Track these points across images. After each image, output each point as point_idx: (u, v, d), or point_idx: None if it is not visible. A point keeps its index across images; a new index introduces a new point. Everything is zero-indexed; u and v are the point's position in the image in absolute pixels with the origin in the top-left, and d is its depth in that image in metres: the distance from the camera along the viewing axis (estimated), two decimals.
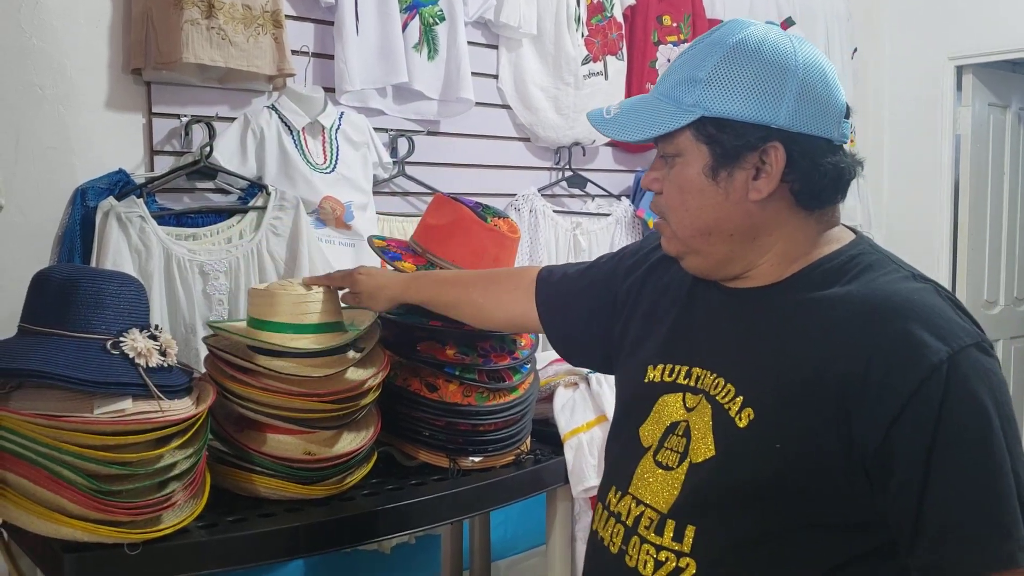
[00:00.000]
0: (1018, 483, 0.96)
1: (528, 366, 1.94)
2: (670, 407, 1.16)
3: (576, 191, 3.00)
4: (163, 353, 1.48)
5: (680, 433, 1.13)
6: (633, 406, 1.23)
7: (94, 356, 1.41)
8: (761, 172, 1.08)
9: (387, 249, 1.85)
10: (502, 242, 1.82)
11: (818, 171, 1.08)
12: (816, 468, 1.02)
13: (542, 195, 2.81)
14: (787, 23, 3.52)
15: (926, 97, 3.98)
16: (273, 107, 2.25)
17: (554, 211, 2.83)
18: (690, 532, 1.08)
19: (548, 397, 2.18)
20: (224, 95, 2.23)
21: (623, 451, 1.22)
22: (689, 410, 1.13)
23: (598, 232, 2.94)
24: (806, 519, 1.04)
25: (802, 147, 1.06)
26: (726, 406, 1.09)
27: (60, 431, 1.34)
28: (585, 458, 2.02)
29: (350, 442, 1.66)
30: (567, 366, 2.30)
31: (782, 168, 1.07)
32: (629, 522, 1.15)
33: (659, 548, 1.10)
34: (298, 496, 1.60)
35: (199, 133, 2.15)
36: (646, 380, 1.21)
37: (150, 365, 1.45)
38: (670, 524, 1.10)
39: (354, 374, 1.65)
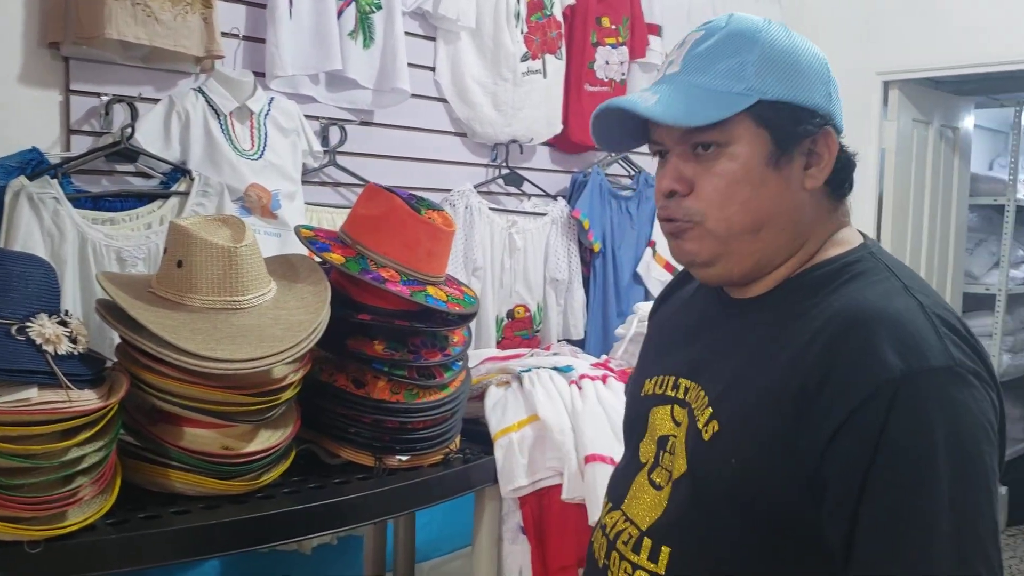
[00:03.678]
0: (955, 530, 0.88)
1: (460, 363, 1.90)
2: (660, 420, 1.14)
3: (512, 189, 2.96)
4: (73, 340, 1.40)
5: (669, 450, 1.10)
6: (634, 422, 1.20)
7: None
8: (812, 160, 1.05)
9: (315, 240, 1.79)
10: (436, 235, 1.78)
11: (847, 156, 1.07)
12: (769, 485, 0.97)
13: (478, 192, 2.77)
14: None
15: (855, 110, 4.01)
16: (200, 90, 2.16)
17: (490, 208, 2.79)
18: (665, 553, 1.05)
19: (479, 396, 2.14)
20: (148, 75, 2.14)
21: (625, 467, 1.19)
22: (677, 424, 1.10)
23: (534, 231, 2.91)
24: (771, 551, 0.99)
25: (837, 135, 1.06)
26: (697, 418, 1.06)
27: None
28: (515, 457, 1.99)
29: (268, 438, 1.60)
30: (500, 364, 2.27)
31: (835, 155, 1.05)
32: (611, 536, 1.13)
33: (635, 567, 1.08)
34: (215, 492, 1.53)
35: (120, 113, 2.05)
36: (642, 394, 1.19)
37: (59, 352, 1.37)
38: (647, 543, 1.07)
39: (275, 368, 1.58)
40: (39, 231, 1.87)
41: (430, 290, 1.77)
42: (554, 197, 3.05)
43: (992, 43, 3.72)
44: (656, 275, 3.22)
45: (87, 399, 1.36)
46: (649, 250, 3.23)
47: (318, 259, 1.76)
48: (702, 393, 1.07)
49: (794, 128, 1.03)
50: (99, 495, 1.40)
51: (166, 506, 1.49)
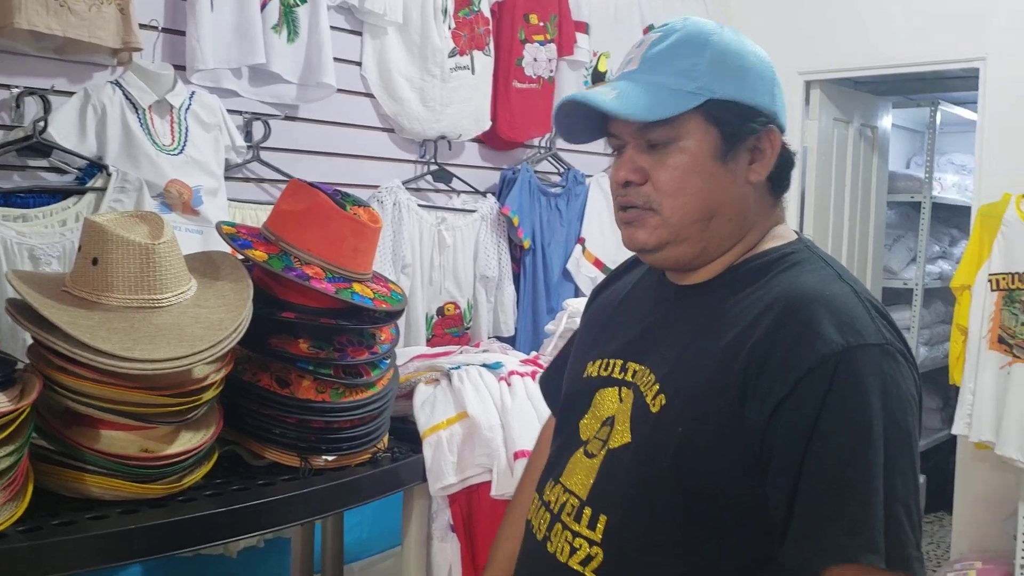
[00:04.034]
0: (888, 488, 0.97)
1: (387, 361, 1.88)
2: (607, 402, 1.19)
3: (441, 186, 2.95)
4: None
5: (610, 425, 1.16)
6: (573, 401, 1.26)
7: None
8: (756, 156, 1.13)
9: (237, 236, 1.75)
10: (362, 231, 1.75)
11: (784, 156, 1.16)
12: (714, 454, 1.04)
13: (406, 188, 2.75)
14: (649, 30, 3.58)
15: None
16: (117, 83, 2.10)
17: (419, 205, 2.77)
18: (602, 522, 1.11)
19: (408, 394, 2.13)
20: (62, 67, 2.06)
21: (564, 444, 1.24)
22: (621, 402, 1.17)
23: (463, 228, 2.90)
24: (709, 522, 1.06)
25: (780, 134, 1.15)
26: (645, 394, 1.13)
27: None
28: (444, 455, 1.98)
29: (189, 440, 1.56)
30: (428, 362, 2.25)
31: (778, 152, 1.14)
32: (555, 509, 1.18)
33: (575, 535, 1.13)
34: (134, 496, 1.48)
35: (32, 106, 1.98)
36: (584, 375, 1.25)
37: None
38: (587, 512, 1.13)
39: (195, 368, 1.54)
40: None
41: (356, 287, 1.75)
42: (483, 194, 3.05)
43: (908, 44, 3.83)
44: (585, 271, 3.24)
45: None
46: (579, 247, 3.25)
47: (240, 256, 1.73)
48: (648, 372, 1.14)
49: (740, 126, 1.11)
50: (10, 501, 1.35)
51: (82, 512, 1.44)
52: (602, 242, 3.25)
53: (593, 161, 3.42)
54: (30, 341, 1.54)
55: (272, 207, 1.83)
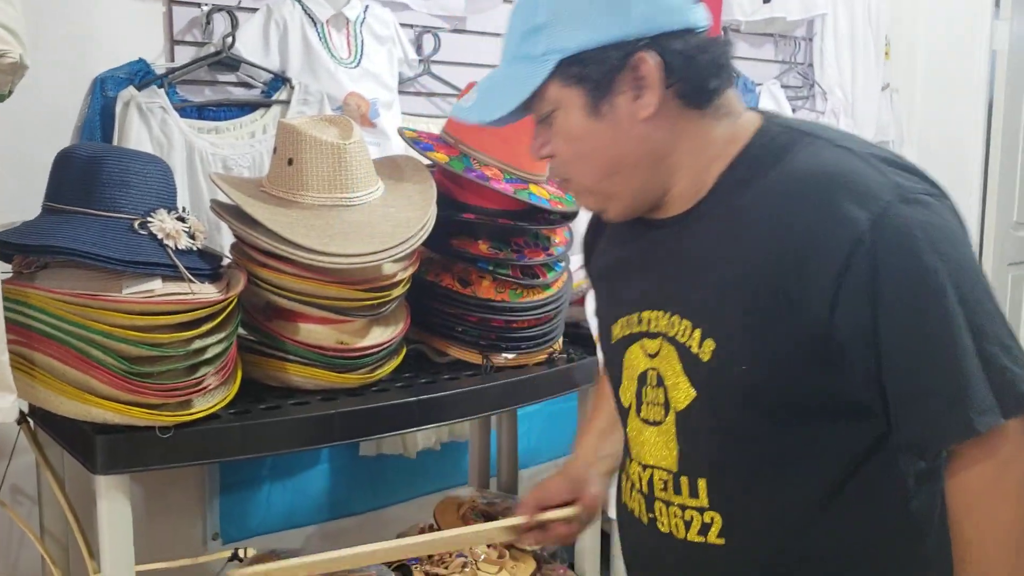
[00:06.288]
0: (977, 336, 0.91)
1: (562, 264, 1.89)
2: (634, 359, 1.12)
3: None
4: (192, 236, 1.44)
5: (653, 383, 1.09)
6: (610, 369, 1.20)
7: (121, 235, 1.37)
8: (641, 88, 1.00)
9: (418, 140, 1.79)
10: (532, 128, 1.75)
11: (694, 63, 1.00)
12: (783, 378, 0.98)
13: None
14: None
15: (963, 9, 3.83)
16: None
17: None
18: (702, 485, 1.05)
19: (580, 300, 2.13)
20: None
21: (620, 419, 1.20)
22: (652, 356, 1.09)
23: None
24: (800, 434, 1.01)
25: (669, 46, 0.99)
26: (687, 343, 1.04)
27: (89, 309, 1.30)
28: None
29: (380, 334, 1.63)
30: None
31: (660, 74, 0.99)
32: (645, 489, 1.12)
33: (683, 508, 1.07)
34: (332, 385, 1.57)
35: (220, 23, 2.07)
36: (613, 341, 1.17)
37: (179, 247, 1.40)
38: (683, 480, 1.07)
39: (385, 265, 1.60)
40: (148, 139, 1.90)
41: (533, 188, 1.75)
42: None
43: None
44: None
45: (208, 292, 1.40)
46: None
47: (423, 158, 1.76)
48: (677, 318, 1.05)
49: (601, 73, 1.00)
50: (222, 386, 1.45)
51: (285, 398, 1.53)
52: None
53: (764, 68, 3.29)
54: (230, 241, 1.63)
55: (443, 120, 1.85)
